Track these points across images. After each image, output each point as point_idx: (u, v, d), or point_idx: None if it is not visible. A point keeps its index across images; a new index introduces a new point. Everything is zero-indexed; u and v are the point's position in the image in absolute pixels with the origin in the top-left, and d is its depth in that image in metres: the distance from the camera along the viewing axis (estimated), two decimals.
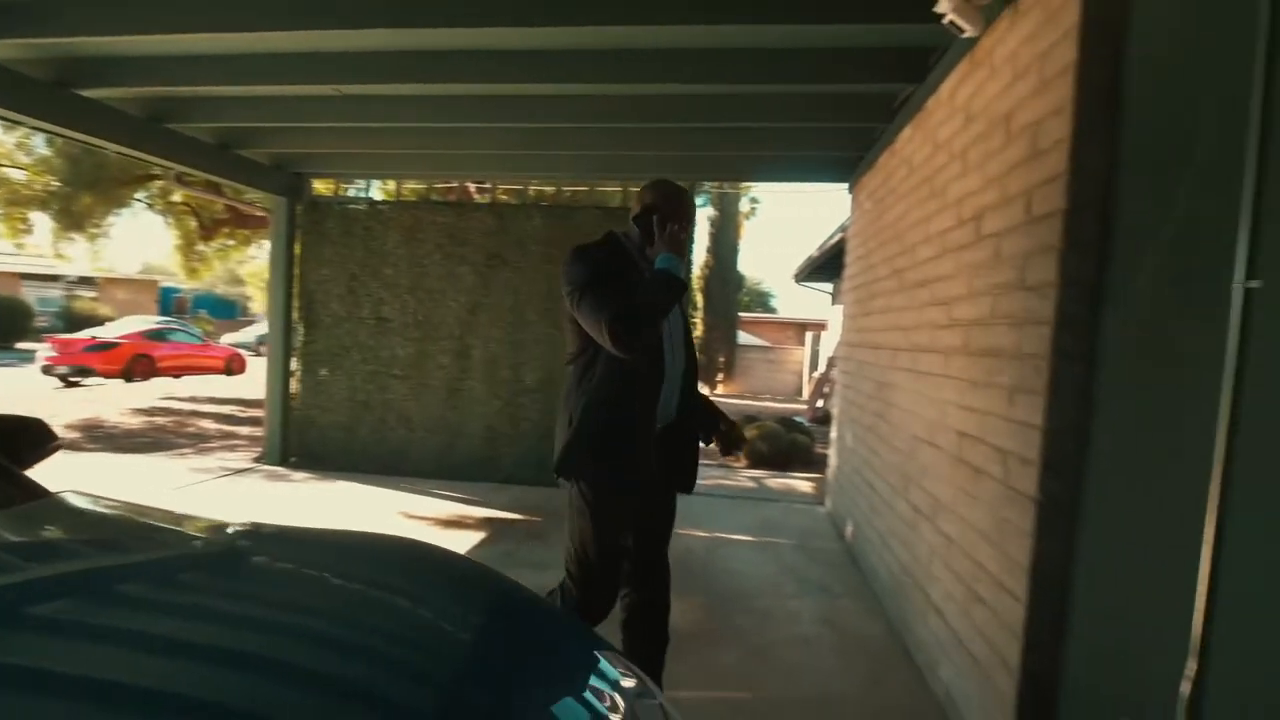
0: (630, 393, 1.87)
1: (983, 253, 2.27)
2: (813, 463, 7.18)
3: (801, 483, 6.22)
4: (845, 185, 5.36)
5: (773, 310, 32.88)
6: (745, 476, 6.54)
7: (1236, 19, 1.28)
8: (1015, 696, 1.81)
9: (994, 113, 2.24)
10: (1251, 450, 1.19)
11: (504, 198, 7.01)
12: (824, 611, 3.18)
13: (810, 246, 11.85)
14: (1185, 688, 1.27)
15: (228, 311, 28.39)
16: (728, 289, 17.55)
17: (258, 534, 1.38)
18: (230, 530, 1.34)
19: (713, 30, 2.88)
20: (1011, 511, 1.93)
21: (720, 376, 18.80)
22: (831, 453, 5.19)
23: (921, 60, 3.01)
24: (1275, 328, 1.17)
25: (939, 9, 2.22)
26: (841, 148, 4.58)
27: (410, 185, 8.02)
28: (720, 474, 6.57)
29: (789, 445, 7.26)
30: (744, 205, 18.17)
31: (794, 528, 4.63)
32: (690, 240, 2.03)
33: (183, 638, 0.91)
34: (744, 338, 20.15)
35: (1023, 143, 2.01)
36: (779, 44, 3.13)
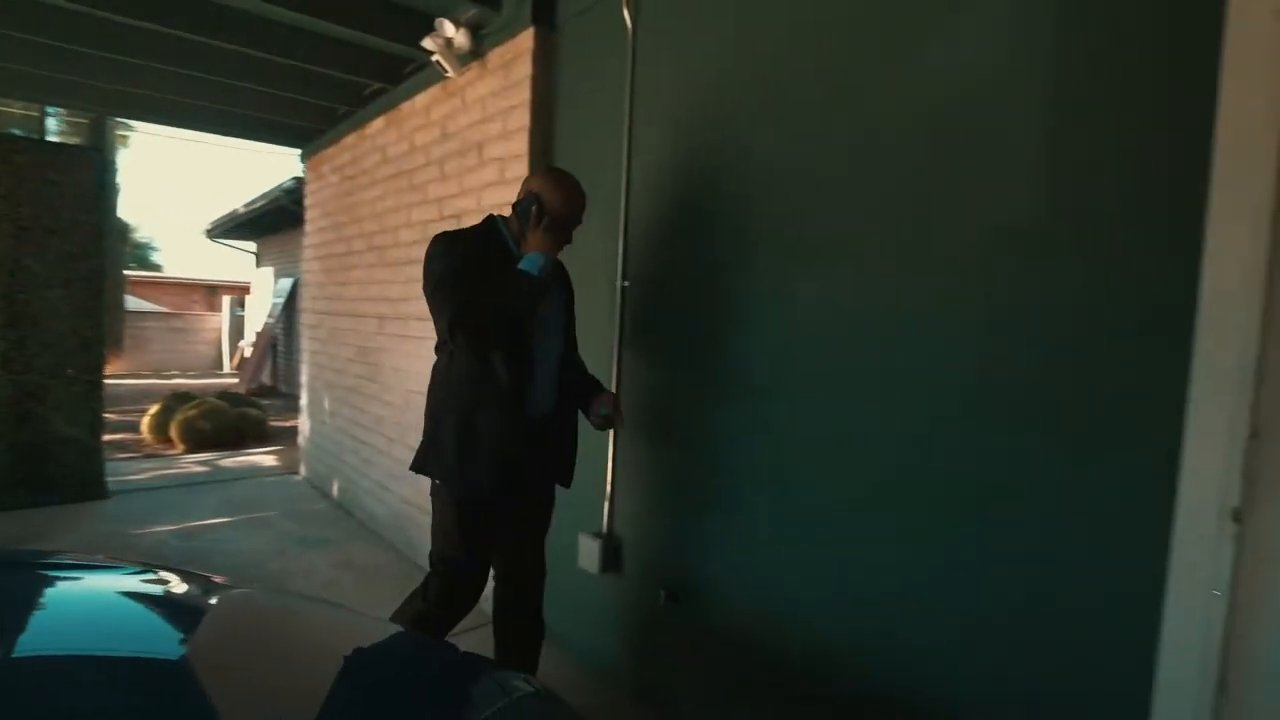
0: (493, 389, 1.73)
1: None
2: (269, 436, 6.92)
3: (264, 457, 6.00)
4: (298, 151, 5.37)
5: (158, 268, 27.34)
6: (191, 461, 5.86)
7: (612, 114, 2.29)
8: None
9: (468, 139, 2.96)
10: (628, 381, 2.26)
11: None
12: (335, 558, 3.50)
13: (195, 197, 10.64)
14: (605, 506, 2.30)
15: None
16: (109, 241, 13.96)
17: None
18: None
19: None
20: None
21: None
22: (303, 420, 5.26)
23: (398, 67, 3.49)
24: (634, 309, 2.24)
25: (428, 46, 2.78)
26: (300, 117, 4.62)
27: None
28: (157, 465, 5.70)
29: (238, 421, 6.77)
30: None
31: (274, 499, 4.60)
32: (567, 239, 1.83)
33: None
34: (135, 303, 16.42)
35: (494, 169, 2.79)
36: (257, 10, 3.09)
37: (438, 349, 1.85)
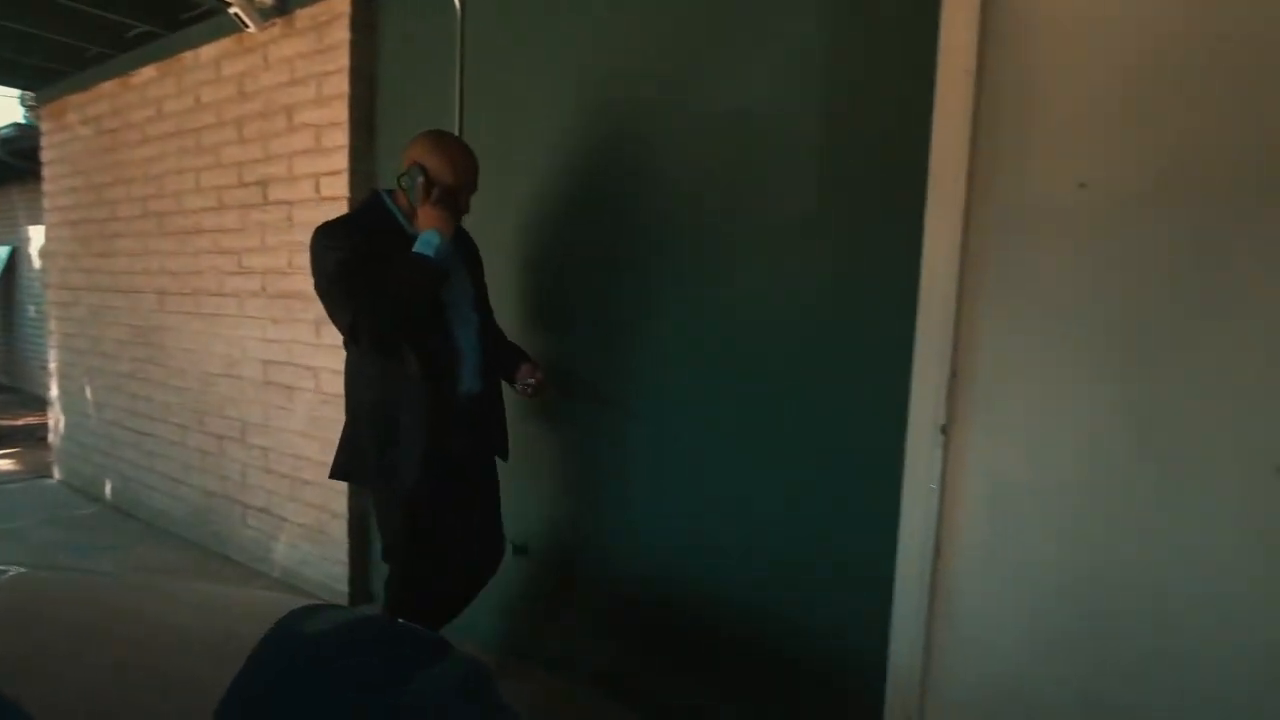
0: (409, 381, 1.62)
1: (275, 215, 2.81)
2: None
3: None
4: (17, 93, 4.48)
5: None
6: None
7: (441, 91, 2.32)
8: (347, 533, 2.63)
9: (274, 101, 2.76)
10: None
11: None
12: (124, 563, 3.12)
13: None
14: None
15: None
16: None
17: None
18: None
19: None
20: (326, 409, 2.67)
21: None
22: (55, 415, 4.48)
23: (174, 11, 3.08)
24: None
25: None
26: (31, 54, 3.85)
27: None
28: None
29: None
30: None
31: (23, 507, 3.91)
32: (464, 209, 1.73)
33: None
34: None
35: (307, 136, 2.65)
36: None
37: (346, 345, 1.73)
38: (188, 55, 3.15)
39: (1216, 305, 1.30)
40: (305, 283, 2.71)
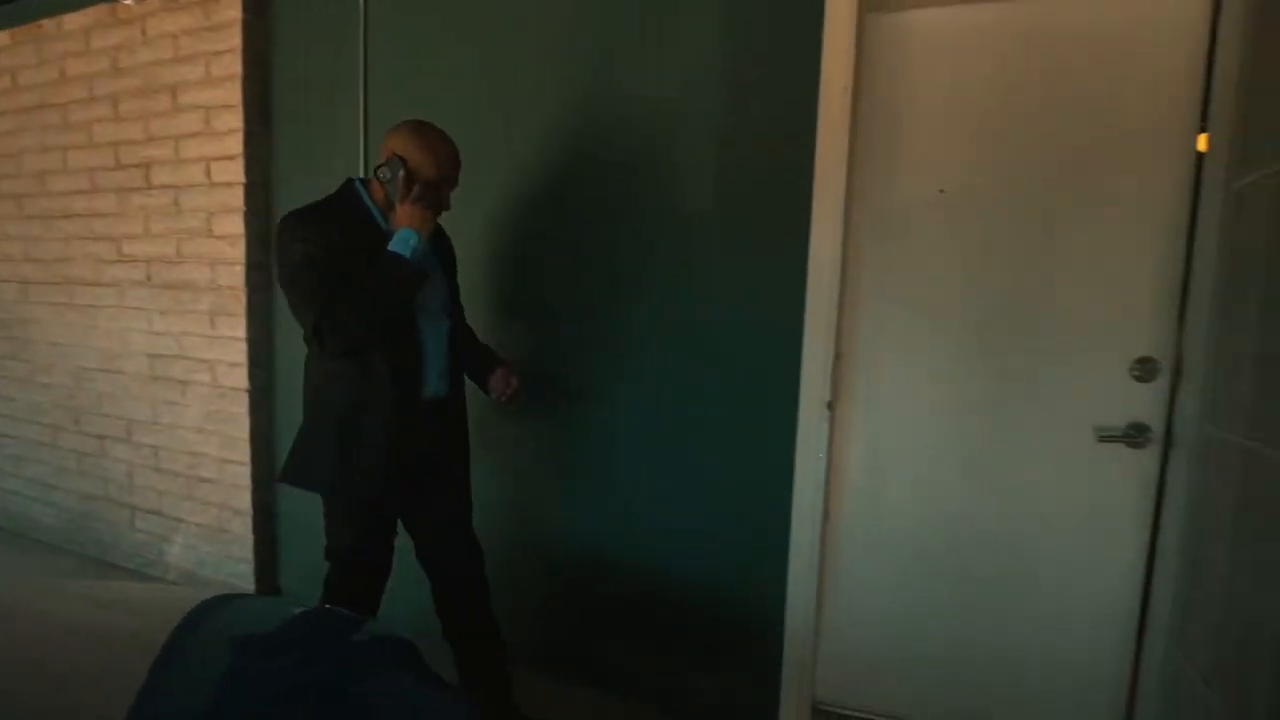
0: (373, 386, 1.56)
1: (160, 199, 2.65)
2: None
3: None
4: None
5: None
6: None
7: (345, 82, 2.29)
8: (252, 528, 2.56)
9: (155, 79, 2.59)
10: None
11: None
12: None
13: None
14: None
15: None
16: None
17: None
18: None
19: None
20: (225, 403, 2.57)
21: None
22: None
23: None
24: None
25: None
26: None
27: None
28: None
29: None
30: None
31: None
32: (444, 205, 1.61)
33: None
34: None
35: (195, 118, 2.51)
36: None
37: (306, 340, 1.61)
38: (48, 23, 2.89)
39: (1050, 289, 1.55)
40: (196, 271, 2.60)
